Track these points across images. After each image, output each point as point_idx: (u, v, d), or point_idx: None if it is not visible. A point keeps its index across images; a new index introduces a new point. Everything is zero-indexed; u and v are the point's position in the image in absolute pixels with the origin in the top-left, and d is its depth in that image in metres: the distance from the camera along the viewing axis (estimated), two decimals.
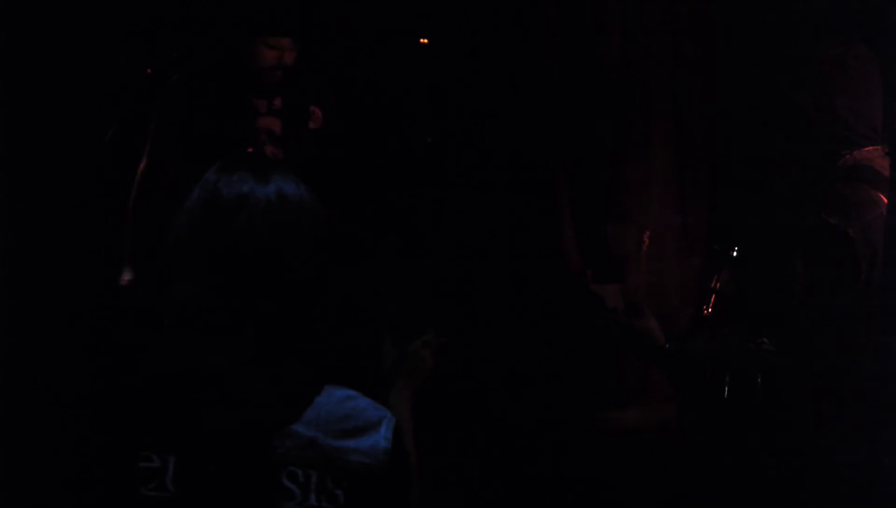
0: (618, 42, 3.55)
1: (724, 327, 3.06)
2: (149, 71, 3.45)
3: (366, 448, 1.87)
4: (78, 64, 3.43)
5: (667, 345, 2.85)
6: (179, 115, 3.28)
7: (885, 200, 2.82)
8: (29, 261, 3.36)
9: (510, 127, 3.53)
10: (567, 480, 3.43)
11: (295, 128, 3.34)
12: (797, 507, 2.87)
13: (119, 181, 3.44)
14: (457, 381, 3.04)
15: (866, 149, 3.03)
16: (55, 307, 3.31)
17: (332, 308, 2.16)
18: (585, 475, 3.43)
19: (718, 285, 3.48)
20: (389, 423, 1.91)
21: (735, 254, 3.50)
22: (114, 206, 3.42)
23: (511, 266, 3.52)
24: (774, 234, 2.99)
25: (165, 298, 1.88)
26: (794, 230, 2.92)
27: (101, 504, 1.86)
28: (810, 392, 2.80)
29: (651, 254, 3.54)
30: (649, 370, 3.48)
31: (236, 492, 1.85)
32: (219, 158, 1.90)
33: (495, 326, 3.47)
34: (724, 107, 3.60)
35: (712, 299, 3.47)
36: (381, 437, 1.89)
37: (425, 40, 3.63)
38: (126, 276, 3.38)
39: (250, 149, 3.27)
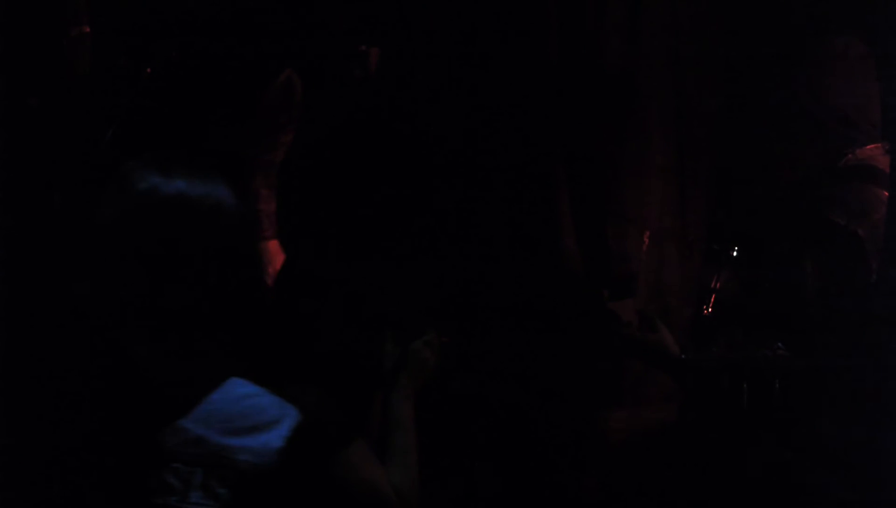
0: (618, 42, 3.55)
1: (738, 335, 3.05)
2: (149, 71, 3.44)
3: (256, 447, 1.85)
4: (78, 63, 3.44)
5: (682, 356, 2.84)
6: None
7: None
8: (29, 261, 3.36)
9: (510, 126, 3.53)
10: (567, 479, 3.43)
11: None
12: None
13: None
14: (458, 381, 3.03)
15: (868, 147, 3.03)
16: (55, 307, 3.30)
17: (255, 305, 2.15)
18: (586, 474, 3.43)
19: (718, 285, 3.48)
20: (290, 422, 1.89)
21: (735, 253, 3.51)
22: None
23: (511, 265, 3.51)
24: (781, 235, 2.99)
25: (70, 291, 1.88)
26: (802, 230, 2.91)
27: None
28: (825, 394, 2.80)
29: (651, 253, 3.53)
30: (649, 370, 3.48)
31: (119, 485, 1.83)
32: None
33: (495, 326, 3.46)
34: (725, 107, 3.60)
35: (712, 299, 3.48)
36: (276, 436, 1.87)
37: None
38: None
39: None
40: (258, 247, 3.38)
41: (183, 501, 1.83)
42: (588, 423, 3.45)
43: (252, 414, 1.87)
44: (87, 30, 3.42)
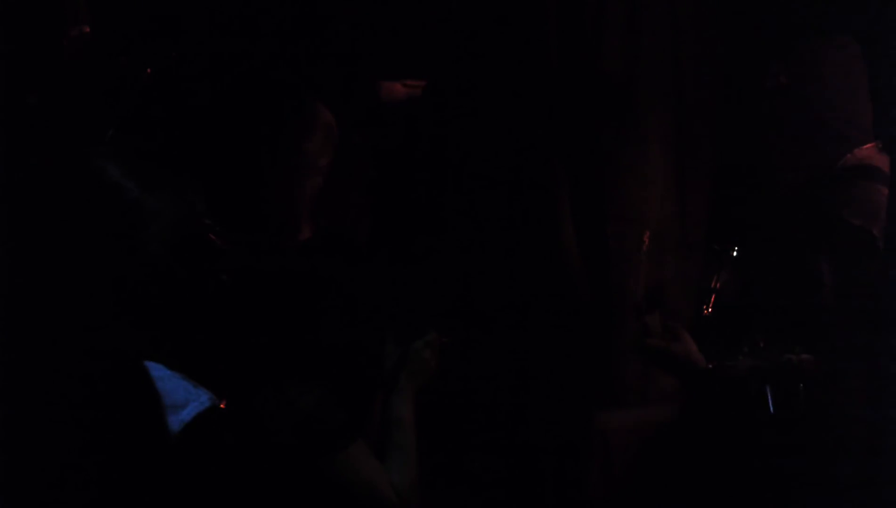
0: (618, 42, 3.55)
1: (760, 341, 3.05)
2: (149, 71, 3.44)
3: None
4: (78, 63, 3.43)
5: (709, 366, 2.84)
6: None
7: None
8: (28, 262, 3.35)
9: (510, 126, 3.53)
10: (568, 479, 3.43)
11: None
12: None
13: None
14: (458, 380, 3.03)
15: (865, 147, 3.03)
16: (55, 308, 3.30)
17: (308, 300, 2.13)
18: (586, 475, 3.43)
19: (718, 285, 3.47)
20: (196, 408, 1.88)
21: (735, 253, 3.50)
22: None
23: (511, 265, 3.51)
24: (792, 236, 2.98)
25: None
26: (817, 232, 2.91)
27: None
28: (847, 395, 2.80)
29: (651, 253, 3.53)
30: (649, 370, 3.48)
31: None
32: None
33: (495, 326, 3.46)
34: (725, 106, 3.60)
35: (712, 299, 3.47)
36: (177, 420, 1.86)
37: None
38: None
39: None
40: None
41: None
42: (588, 423, 3.45)
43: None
44: (87, 30, 3.42)
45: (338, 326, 2.58)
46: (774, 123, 3.23)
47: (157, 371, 1.88)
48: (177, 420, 1.85)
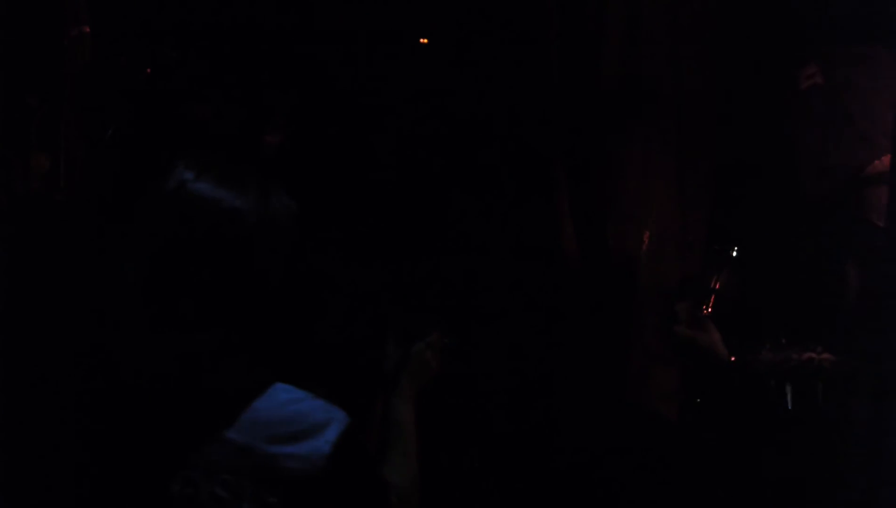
0: (618, 42, 3.55)
1: (783, 338, 3.06)
2: (149, 71, 3.44)
3: (304, 453, 1.82)
4: (77, 63, 3.43)
5: (732, 359, 2.84)
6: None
7: None
8: (28, 261, 3.36)
9: (511, 126, 3.53)
10: (568, 479, 3.43)
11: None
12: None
13: (118, 180, 3.43)
14: (460, 382, 3.03)
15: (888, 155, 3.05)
16: (55, 309, 3.30)
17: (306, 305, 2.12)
18: (586, 474, 3.43)
19: (718, 285, 3.47)
20: (338, 426, 1.87)
21: (735, 253, 3.50)
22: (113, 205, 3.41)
23: (511, 265, 3.52)
24: (819, 237, 2.99)
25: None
26: (841, 232, 2.92)
27: None
28: (864, 396, 2.81)
29: (651, 253, 3.53)
30: (649, 369, 3.49)
31: (155, 499, 1.81)
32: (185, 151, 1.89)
33: (496, 325, 3.46)
34: (725, 107, 3.60)
35: (712, 299, 3.47)
36: (324, 442, 1.84)
37: (425, 40, 3.62)
38: None
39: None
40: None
41: None
42: (588, 422, 3.46)
43: (297, 420, 1.85)
44: (87, 30, 3.42)
45: (337, 326, 2.58)
46: (806, 122, 3.24)
47: (291, 393, 1.88)
48: (324, 441, 1.84)
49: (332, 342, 2.53)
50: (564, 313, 3.50)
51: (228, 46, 3.44)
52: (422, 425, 2.56)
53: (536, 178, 3.53)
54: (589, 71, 3.55)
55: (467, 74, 3.56)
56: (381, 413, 2.55)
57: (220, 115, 3.31)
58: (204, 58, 3.44)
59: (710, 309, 3.44)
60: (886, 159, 3.12)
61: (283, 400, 1.86)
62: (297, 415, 1.85)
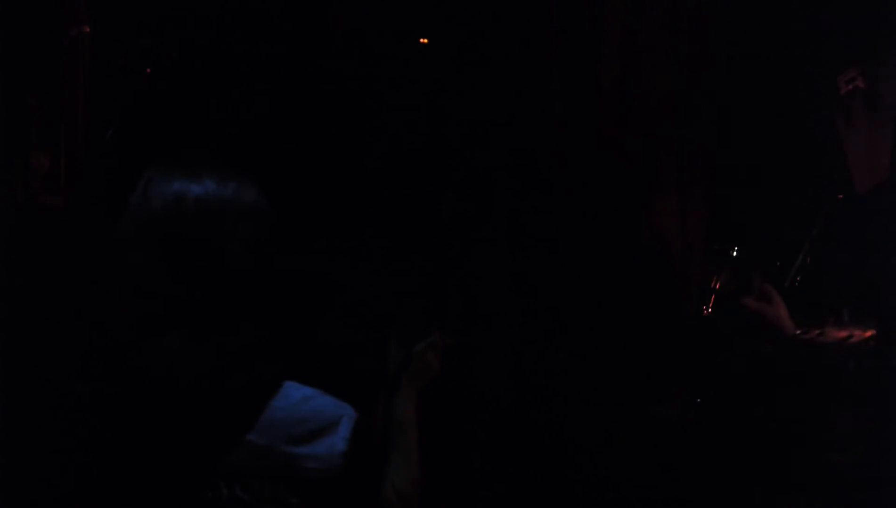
0: (618, 41, 3.55)
1: (845, 314, 3.08)
2: (149, 71, 3.44)
3: (321, 453, 1.83)
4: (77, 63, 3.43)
5: (798, 332, 2.86)
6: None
7: None
8: (28, 261, 3.35)
9: (511, 126, 3.53)
10: (568, 479, 3.44)
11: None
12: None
13: (118, 180, 3.43)
14: (460, 381, 3.03)
15: None
16: (54, 309, 3.30)
17: (309, 302, 2.11)
18: (587, 473, 3.44)
19: (718, 285, 3.48)
20: (349, 422, 1.88)
21: (735, 253, 3.51)
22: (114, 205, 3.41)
23: (511, 265, 3.52)
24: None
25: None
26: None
27: None
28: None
29: (651, 253, 3.54)
30: (649, 369, 3.49)
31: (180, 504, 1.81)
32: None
33: (497, 324, 3.46)
34: (725, 106, 3.61)
35: (712, 299, 3.48)
36: (339, 439, 1.85)
37: (425, 40, 3.62)
38: None
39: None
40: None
41: None
42: (589, 422, 3.46)
43: (313, 418, 1.85)
44: (87, 30, 3.41)
45: (338, 326, 2.58)
46: (850, 125, 3.28)
47: (301, 391, 1.87)
48: (340, 438, 1.85)
49: (334, 342, 2.53)
50: (564, 313, 3.50)
51: (228, 46, 3.45)
52: (423, 425, 2.57)
53: (536, 178, 3.53)
54: (589, 71, 3.55)
55: (467, 73, 3.56)
56: (383, 413, 2.55)
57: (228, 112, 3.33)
58: (204, 58, 3.45)
59: (710, 309, 3.44)
60: None
61: (297, 398, 1.87)
62: (312, 414, 1.86)
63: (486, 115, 3.54)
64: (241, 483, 1.82)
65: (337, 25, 3.55)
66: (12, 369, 3.16)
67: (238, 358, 1.84)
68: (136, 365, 1.82)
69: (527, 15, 3.53)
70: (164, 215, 1.83)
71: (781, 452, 3.22)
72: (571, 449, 3.44)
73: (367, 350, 2.57)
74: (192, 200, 1.84)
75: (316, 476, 1.82)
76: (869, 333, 2.93)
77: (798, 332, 2.99)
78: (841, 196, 3.26)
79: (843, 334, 3.01)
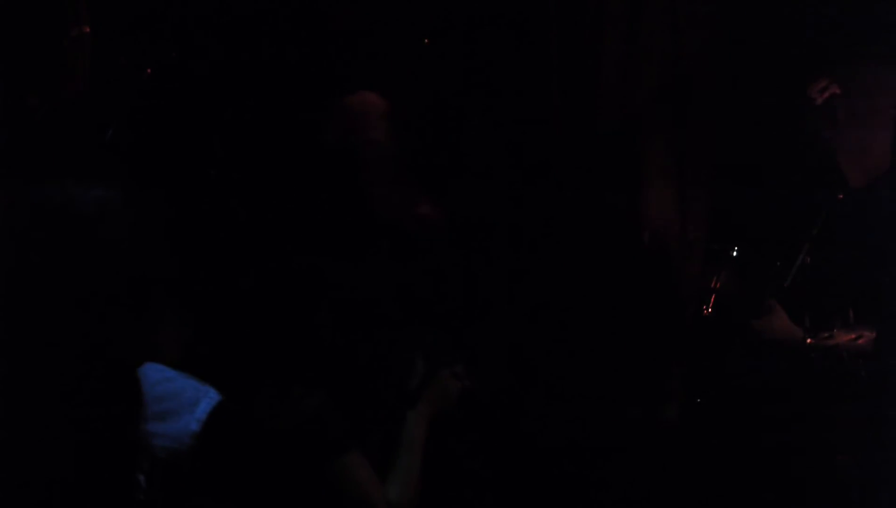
0: (618, 41, 3.55)
1: (850, 316, 3.10)
2: (149, 71, 3.44)
3: (172, 432, 1.84)
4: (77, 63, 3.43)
5: (809, 341, 2.87)
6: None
7: None
8: (28, 262, 3.35)
9: (511, 127, 3.53)
10: (567, 479, 3.43)
11: None
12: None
13: (119, 181, 3.42)
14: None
15: None
16: (54, 308, 3.29)
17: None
18: (587, 473, 3.43)
19: (718, 285, 3.48)
20: (208, 403, 1.88)
21: (735, 253, 3.51)
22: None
23: (511, 265, 3.52)
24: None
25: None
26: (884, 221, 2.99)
27: None
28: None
29: (651, 253, 3.54)
30: (650, 369, 3.49)
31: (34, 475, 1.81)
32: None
33: (496, 324, 3.46)
34: (725, 106, 3.61)
35: (712, 299, 3.48)
36: (193, 419, 1.85)
37: (427, 40, 3.62)
38: None
39: None
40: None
41: None
42: (589, 423, 3.46)
43: (169, 397, 1.87)
44: (87, 30, 3.41)
45: (340, 329, 2.58)
46: (836, 128, 3.32)
47: (162, 373, 1.88)
48: (192, 418, 1.85)
49: (333, 344, 2.53)
50: (564, 313, 3.50)
51: (228, 46, 3.45)
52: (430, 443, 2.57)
53: (537, 179, 3.53)
54: (589, 71, 3.55)
55: (467, 73, 3.56)
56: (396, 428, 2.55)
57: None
58: (204, 58, 3.45)
59: (710, 309, 3.45)
60: None
61: (155, 378, 1.88)
62: (168, 394, 1.87)
63: (487, 116, 3.54)
64: None
65: (337, 25, 3.55)
66: (13, 369, 3.16)
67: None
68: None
69: (526, 15, 3.53)
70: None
71: (781, 452, 3.22)
72: (571, 450, 3.44)
73: (367, 353, 2.58)
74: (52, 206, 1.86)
75: (165, 455, 1.82)
76: (876, 333, 2.95)
77: (808, 339, 3.01)
78: (841, 196, 3.28)
79: (852, 336, 3.02)
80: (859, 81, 3.32)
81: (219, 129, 3.40)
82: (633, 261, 3.51)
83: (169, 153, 3.40)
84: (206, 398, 1.88)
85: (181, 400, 1.87)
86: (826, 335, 3.06)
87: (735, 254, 3.51)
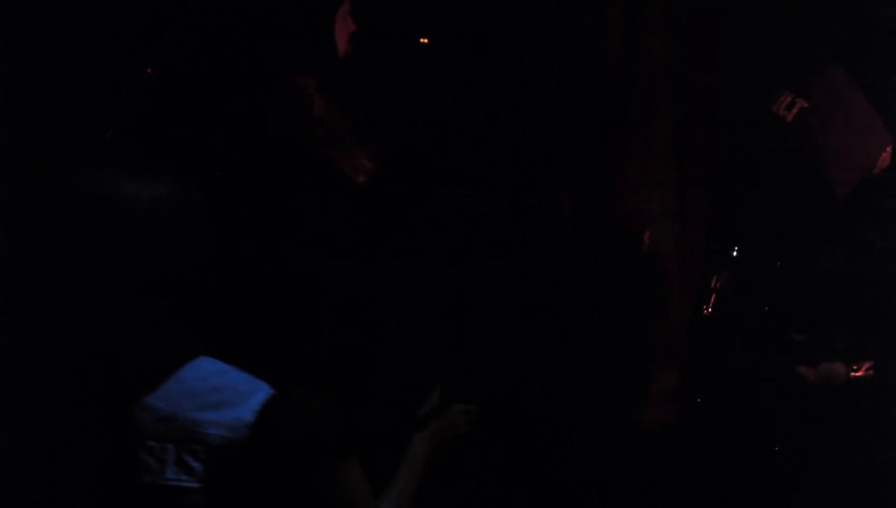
0: (618, 42, 3.55)
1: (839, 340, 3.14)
2: (149, 71, 3.43)
3: (227, 421, 1.88)
4: (78, 63, 3.43)
5: (851, 374, 2.91)
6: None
7: None
8: (28, 262, 3.35)
9: (511, 127, 3.53)
10: (569, 479, 3.44)
11: None
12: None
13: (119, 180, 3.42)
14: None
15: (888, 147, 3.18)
16: (54, 307, 3.30)
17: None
18: (586, 474, 3.44)
19: (718, 285, 3.49)
20: (262, 396, 1.92)
21: (735, 253, 3.52)
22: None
23: (512, 266, 3.52)
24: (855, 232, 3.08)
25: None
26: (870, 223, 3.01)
27: None
28: None
29: (651, 253, 3.54)
30: (650, 369, 3.50)
31: (86, 464, 1.86)
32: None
33: (497, 325, 3.47)
34: (725, 107, 3.61)
35: (712, 299, 3.49)
36: (248, 410, 1.90)
37: (425, 40, 3.62)
38: None
39: None
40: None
41: (158, 478, 1.87)
42: (589, 423, 3.46)
43: (224, 389, 1.91)
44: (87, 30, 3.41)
45: (341, 333, 2.59)
46: (812, 139, 3.34)
47: (216, 365, 1.93)
48: (248, 409, 1.89)
49: (333, 348, 2.54)
50: (564, 313, 3.50)
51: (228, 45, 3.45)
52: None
53: (537, 179, 3.53)
54: (589, 71, 3.55)
55: (468, 73, 3.56)
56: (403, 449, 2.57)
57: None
58: (204, 57, 3.44)
59: (710, 309, 3.45)
60: (890, 150, 3.26)
61: (209, 370, 1.93)
62: (222, 386, 1.92)
63: (487, 117, 3.54)
64: (144, 446, 1.86)
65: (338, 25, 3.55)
66: (12, 369, 3.16)
67: (138, 327, 1.91)
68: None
69: (526, 15, 3.54)
70: (102, 221, 1.89)
71: (781, 452, 3.23)
72: (570, 450, 3.44)
73: (366, 357, 2.59)
74: (104, 196, 1.90)
75: (220, 444, 1.87)
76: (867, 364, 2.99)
77: (851, 374, 3.06)
78: (841, 196, 3.30)
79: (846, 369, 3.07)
80: (826, 88, 3.36)
81: (221, 129, 3.40)
82: (633, 262, 3.52)
83: (169, 153, 3.40)
84: (260, 390, 1.92)
85: (236, 391, 1.92)
86: (867, 366, 3.11)
87: (735, 253, 3.51)
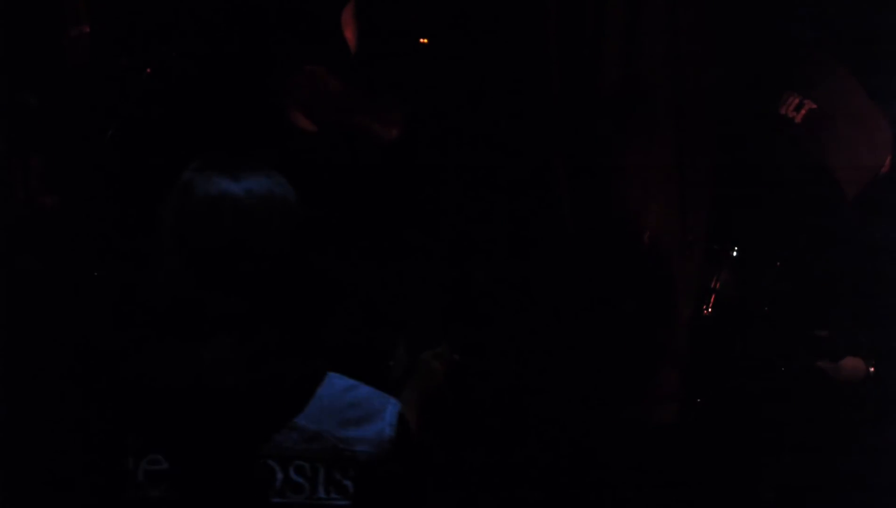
0: (618, 42, 3.55)
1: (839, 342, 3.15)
2: (149, 71, 3.44)
3: (371, 437, 1.89)
4: (78, 63, 3.43)
5: (871, 370, 2.93)
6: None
7: None
8: (28, 262, 3.36)
9: (511, 127, 3.53)
10: (568, 479, 3.44)
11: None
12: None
13: (119, 181, 3.43)
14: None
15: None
16: (54, 308, 3.30)
17: (330, 300, 2.12)
18: (587, 473, 3.44)
19: (718, 285, 3.49)
20: (394, 410, 1.93)
21: (735, 254, 3.52)
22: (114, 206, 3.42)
23: (512, 266, 3.52)
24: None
25: (153, 300, 1.90)
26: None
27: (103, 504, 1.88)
28: None
29: (651, 253, 3.54)
30: (650, 369, 3.50)
31: (236, 490, 1.86)
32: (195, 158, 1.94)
33: (497, 325, 3.47)
34: (724, 106, 3.61)
35: (712, 299, 3.49)
36: (386, 425, 1.91)
37: (425, 40, 3.62)
38: None
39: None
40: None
41: (311, 497, 1.87)
42: (589, 423, 3.46)
43: (360, 405, 1.91)
44: (87, 30, 3.42)
45: (344, 326, 2.59)
46: (818, 143, 3.35)
47: (345, 380, 1.94)
48: (384, 425, 1.90)
49: (341, 343, 2.54)
50: (564, 313, 3.50)
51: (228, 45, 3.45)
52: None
53: (537, 179, 3.53)
54: (589, 71, 3.55)
55: (468, 73, 3.56)
56: None
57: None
58: (203, 57, 3.45)
59: (710, 309, 3.45)
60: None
61: (342, 386, 1.94)
62: (358, 401, 1.92)
63: (487, 117, 3.54)
64: (295, 466, 1.86)
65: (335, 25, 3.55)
66: (12, 369, 3.17)
67: (264, 358, 1.89)
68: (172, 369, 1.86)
69: (526, 15, 3.54)
70: (205, 219, 1.87)
71: (781, 452, 3.23)
72: (570, 450, 3.44)
73: (377, 350, 2.59)
74: (231, 202, 1.88)
75: (366, 460, 1.87)
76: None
77: (871, 369, 3.08)
78: (851, 197, 3.31)
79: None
80: (831, 89, 3.37)
81: (222, 128, 3.40)
82: (633, 262, 3.52)
83: (170, 154, 3.40)
84: (391, 404, 1.94)
85: (371, 406, 1.92)
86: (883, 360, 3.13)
87: (735, 253, 3.51)
